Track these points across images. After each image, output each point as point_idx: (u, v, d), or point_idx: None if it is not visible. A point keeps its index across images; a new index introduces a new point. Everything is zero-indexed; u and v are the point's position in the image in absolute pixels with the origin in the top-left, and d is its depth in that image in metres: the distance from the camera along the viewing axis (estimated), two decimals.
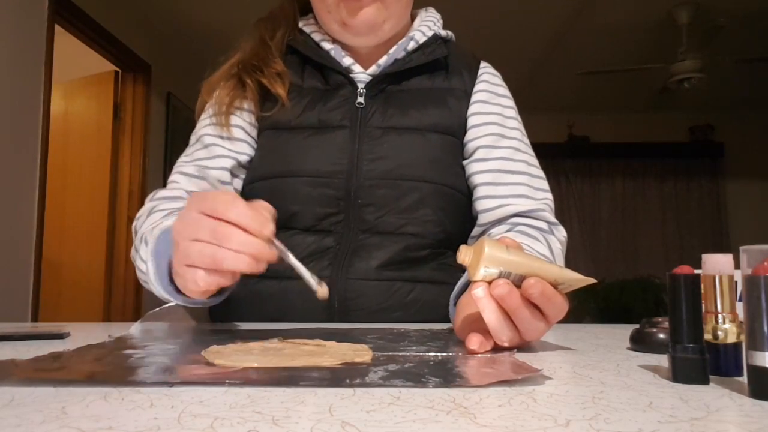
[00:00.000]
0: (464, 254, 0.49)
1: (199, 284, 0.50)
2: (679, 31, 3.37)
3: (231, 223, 0.48)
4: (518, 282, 0.47)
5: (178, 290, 0.60)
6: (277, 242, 0.50)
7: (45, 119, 2.59)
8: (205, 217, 0.49)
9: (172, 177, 0.83)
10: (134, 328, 0.62)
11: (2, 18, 2.33)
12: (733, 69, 3.73)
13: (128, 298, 3.35)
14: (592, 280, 0.48)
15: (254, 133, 0.85)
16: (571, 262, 0.68)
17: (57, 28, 2.71)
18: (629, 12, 3.37)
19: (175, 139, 3.82)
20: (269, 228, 0.49)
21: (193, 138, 0.86)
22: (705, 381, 0.35)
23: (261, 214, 0.49)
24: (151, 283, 0.64)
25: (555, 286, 0.48)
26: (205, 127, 0.84)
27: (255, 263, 0.48)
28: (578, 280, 0.48)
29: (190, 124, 0.88)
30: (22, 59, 2.46)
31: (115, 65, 3.38)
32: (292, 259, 0.51)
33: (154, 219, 0.73)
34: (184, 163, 0.84)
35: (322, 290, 0.50)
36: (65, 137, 3.35)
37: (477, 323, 0.49)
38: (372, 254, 0.77)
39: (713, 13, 3.27)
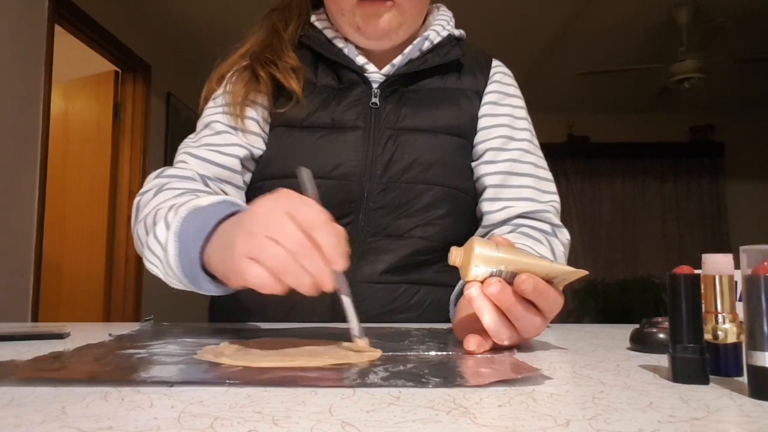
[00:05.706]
0: (455, 255, 0.49)
1: (252, 280, 0.46)
2: (679, 31, 3.37)
3: (315, 243, 0.45)
4: (510, 279, 0.47)
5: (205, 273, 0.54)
6: (343, 277, 0.48)
7: (45, 119, 2.58)
8: (291, 223, 0.45)
9: (180, 157, 0.77)
10: (134, 329, 0.61)
11: (2, 18, 2.33)
12: (733, 69, 3.72)
13: (128, 298, 3.35)
14: (583, 272, 0.48)
15: (266, 128, 0.82)
16: (571, 263, 0.68)
17: (57, 28, 2.71)
18: (629, 12, 3.37)
19: (175, 139, 3.81)
20: (344, 263, 0.45)
21: (199, 125, 0.82)
22: (705, 381, 0.35)
23: (342, 245, 0.45)
24: (166, 264, 0.58)
25: (549, 281, 0.48)
26: (215, 115, 0.80)
27: (314, 290, 0.45)
28: (570, 272, 0.48)
29: (190, 124, 0.86)
30: (22, 59, 2.46)
31: (115, 65, 3.38)
32: (347, 300, 0.48)
33: (167, 196, 0.66)
34: (192, 146, 0.78)
35: (361, 341, 0.47)
36: (65, 137, 3.35)
37: (476, 323, 0.49)
38: (380, 258, 0.76)
39: (713, 13, 3.27)
